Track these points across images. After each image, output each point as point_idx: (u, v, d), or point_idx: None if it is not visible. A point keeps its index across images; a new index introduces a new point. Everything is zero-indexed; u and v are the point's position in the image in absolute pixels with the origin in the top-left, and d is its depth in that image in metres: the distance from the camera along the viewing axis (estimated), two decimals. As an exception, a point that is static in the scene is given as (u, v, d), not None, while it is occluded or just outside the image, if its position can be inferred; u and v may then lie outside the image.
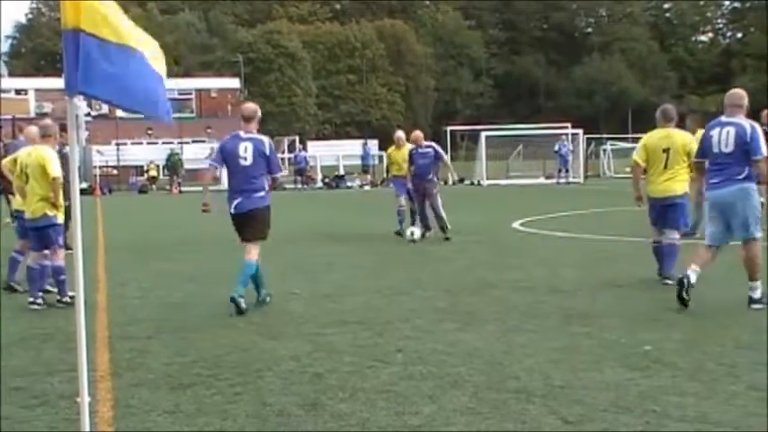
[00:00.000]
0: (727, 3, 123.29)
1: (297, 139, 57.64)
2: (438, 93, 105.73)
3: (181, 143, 51.17)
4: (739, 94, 9.31)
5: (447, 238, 16.35)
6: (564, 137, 45.47)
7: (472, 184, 44.01)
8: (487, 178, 43.55)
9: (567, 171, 43.91)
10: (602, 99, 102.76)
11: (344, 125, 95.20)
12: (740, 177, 8.96)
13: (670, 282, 10.04)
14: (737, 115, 9.17)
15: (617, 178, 44.88)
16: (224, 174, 10.05)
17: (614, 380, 6.24)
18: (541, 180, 46.13)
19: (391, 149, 18.46)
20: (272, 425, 5.48)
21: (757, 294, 8.96)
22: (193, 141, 53.71)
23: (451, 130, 52.14)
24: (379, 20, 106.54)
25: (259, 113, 9.97)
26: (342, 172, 48.47)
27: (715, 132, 9.16)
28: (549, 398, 5.85)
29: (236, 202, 9.63)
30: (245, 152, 9.57)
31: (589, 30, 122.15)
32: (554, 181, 44.46)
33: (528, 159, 50.28)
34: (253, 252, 9.62)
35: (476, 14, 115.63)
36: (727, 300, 9.41)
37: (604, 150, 52.16)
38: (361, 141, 54.62)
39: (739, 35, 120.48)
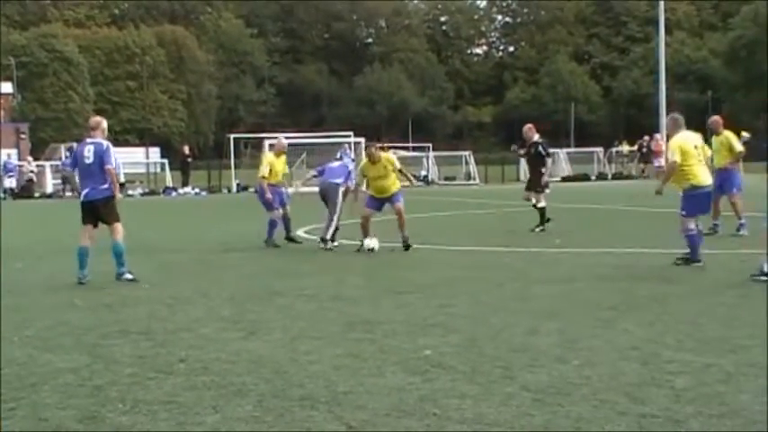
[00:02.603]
0: (500, 18, 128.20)
1: (74, 145, 55.76)
2: (221, 100, 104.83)
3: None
4: None
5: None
6: (346, 145, 46.03)
7: (256, 192, 43.80)
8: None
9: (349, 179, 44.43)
10: (384, 108, 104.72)
11: (124, 132, 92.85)
12: None
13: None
14: None
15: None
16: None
17: (396, 384, 6.37)
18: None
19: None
20: (49, 442, 5.30)
21: None
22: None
23: (235, 138, 51.81)
24: (160, 26, 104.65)
25: (103, 124, 12.58)
26: (122, 180, 47.35)
27: None
28: (333, 404, 5.91)
29: (84, 193, 12.27)
30: (89, 153, 12.20)
31: (370, 40, 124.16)
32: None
33: (312, 167, 50.50)
34: (116, 232, 12.20)
35: (258, 22, 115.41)
36: (500, 302, 9.80)
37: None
38: (142, 149, 53.52)
39: (511, 49, 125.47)
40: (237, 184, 47.83)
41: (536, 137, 19.13)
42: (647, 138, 53.21)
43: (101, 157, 12.14)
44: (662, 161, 51.36)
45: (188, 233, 20.82)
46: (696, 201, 12.60)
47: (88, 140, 12.43)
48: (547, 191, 18.86)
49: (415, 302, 10.02)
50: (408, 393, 6.12)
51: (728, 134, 17.20)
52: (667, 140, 13.32)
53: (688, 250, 12.60)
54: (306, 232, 19.32)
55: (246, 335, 8.33)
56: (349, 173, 17.47)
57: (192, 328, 8.68)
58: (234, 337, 8.27)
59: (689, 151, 12.61)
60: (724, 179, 16.55)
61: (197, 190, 46.81)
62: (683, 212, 12.63)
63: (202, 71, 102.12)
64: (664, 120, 59.12)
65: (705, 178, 12.76)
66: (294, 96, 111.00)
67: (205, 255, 15.76)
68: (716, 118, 17.85)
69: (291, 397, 6.11)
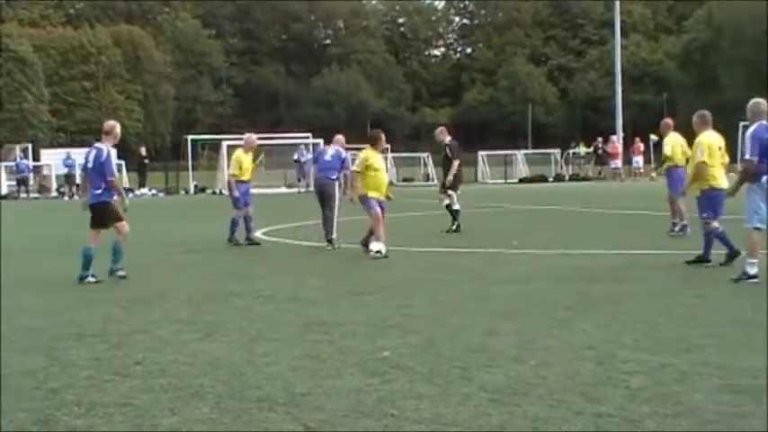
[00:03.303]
0: (457, 19, 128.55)
1: (30, 146, 55.19)
2: (178, 101, 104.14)
3: None
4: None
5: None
6: (303, 146, 46.00)
7: (214, 193, 43.71)
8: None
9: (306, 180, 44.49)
10: (342, 109, 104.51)
11: (81, 133, 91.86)
12: None
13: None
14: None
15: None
16: None
17: (354, 386, 6.37)
18: (283, 189, 46.41)
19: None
20: (3, 446, 5.24)
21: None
22: None
23: (192, 139, 51.54)
24: (116, 25, 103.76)
25: (116, 129, 12.70)
26: (78, 181, 46.91)
27: None
28: (290, 405, 5.90)
29: (87, 197, 12.68)
30: (89, 157, 12.49)
31: (328, 41, 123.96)
32: (296, 190, 44.86)
33: (270, 169, 50.44)
34: (118, 232, 12.50)
35: (215, 23, 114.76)
36: (458, 303, 9.83)
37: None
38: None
39: (468, 50, 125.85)
40: (195, 186, 47.60)
41: (447, 139, 19.43)
42: (600, 139, 53.62)
43: (100, 163, 12.30)
44: (618, 163, 52.00)
45: (145, 235, 20.62)
46: (716, 202, 12.41)
47: (96, 144, 12.70)
48: (457, 192, 19.03)
49: (373, 303, 10.03)
50: (366, 394, 6.12)
51: (677, 137, 17.39)
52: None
53: (701, 251, 12.48)
54: (265, 234, 19.25)
55: (203, 336, 8.29)
56: (343, 160, 16.80)
57: (148, 330, 8.63)
58: (191, 338, 8.22)
59: (715, 152, 12.53)
60: (681, 179, 16.84)
61: (154, 191, 46.52)
62: (706, 215, 12.35)
63: (159, 72, 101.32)
64: (620, 121, 59.74)
65: (724, 181, 12.52)
66: (251, 97, 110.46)
67: (162, 256, 15.66)
68: (666, 121, 18.13)
69: (249, 398, 6.09)
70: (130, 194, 45.05)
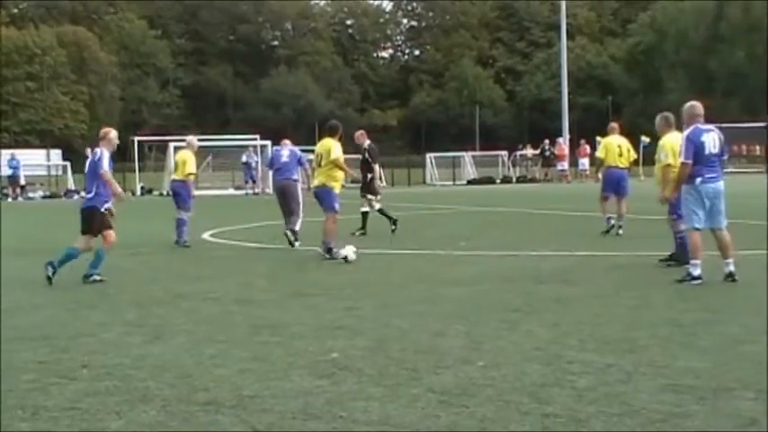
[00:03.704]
0: (405, 21, 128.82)
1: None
2: (124, 102, 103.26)
3: None
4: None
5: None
6: (251, 148, 45.84)
7: (161, 195, 43.38)
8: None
9: (254, 182, 44.37)
10: (290, 111, 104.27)
11: (25, 134, 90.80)
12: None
13: None
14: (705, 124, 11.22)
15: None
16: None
17: (303, 387, 6.36)
18: (231, 191, 46.21)
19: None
20: (-55, 451, 5.17)
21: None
22: None
23: (139, 141, 51.12)
24: (61, 26, 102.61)
25: (110, 134, 12.97)
26: (23, 182, 46.38)
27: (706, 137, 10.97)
28: (239, 408, 5.87)
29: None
30: (88, 161, 12.64)
31: (276, 43, 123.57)
32: (243, 192, 44.69)
33: (217, 170, 50.23)
34: (104, 240, 12.29)
35: (162, 24, 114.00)
36: (407, 304, 9.86)
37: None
38: (43, 151, 52.42)
39: (417, 52, 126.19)
40: (142, 188, 47.21)
41: (366, 143, 19.53)
42: (547, 141, 54.05)
43: (94, 162, 12.40)
44: (565, 165, 52.47)
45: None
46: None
47: (94, 150, 12.91)
48: (378, 196, 19.14)
49: (321, 305, 10.02)
50: (315, 396, 6.11)
51: (613, 139, 18.06)
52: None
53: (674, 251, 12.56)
54: (213, 235, 19.16)
55: (151, 339, 8.23)
56: (299, 158, 17.26)
57: (94, 333, 8.54)
58: (138, 341, 8.16)
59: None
60: (621, 180, 17.63)
61: (100, 192, 45.95)
62: (675, 216, 12.21)
63: (105, 72, 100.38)
64: (566, 124, 60.29)
65: None
66: (199, 98, 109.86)
67: (108, 258, 15.46)
68: (612, 124, 18.58)
69: (196, 401, 6.06)
70: (75, 196, 44.75)
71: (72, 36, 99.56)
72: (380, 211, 19.02)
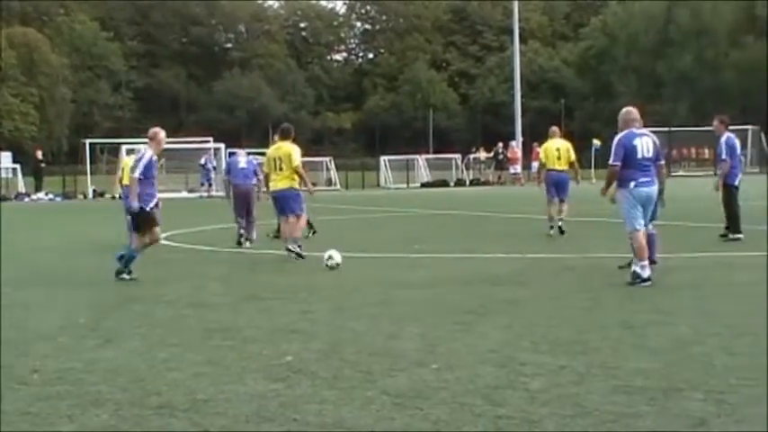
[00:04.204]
0: (359, 24, 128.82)
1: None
2: (75, 104, 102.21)
3: None
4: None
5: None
6: (212, 150, 45.72)
7: (113, 198, 43.01)
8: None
9: (210, 185, 44.22)
10: (243, 113, 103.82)
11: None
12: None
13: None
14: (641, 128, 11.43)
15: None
16: None
17: (257, 391, 6.35)
18: (184, 194, 45.95)
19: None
20: None
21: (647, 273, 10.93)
22: None
23: (91, 143, 50.66)
24: (11, 27, 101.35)
25: (160, 135, 13.23)
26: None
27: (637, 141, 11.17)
28: (191, 411, 5.85)
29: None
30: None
31: (229, 45, 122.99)
32: (197, 195, 44.48)
33: (171, 173, 49.88)
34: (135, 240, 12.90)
35: (114, 26, 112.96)
36: (361, 307, 9.87)
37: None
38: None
39: (371, 55, 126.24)
40: (93, 190, 46.75)
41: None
42: (500, 145, 54.32)
43: (132, 168, 12.76)
44: (518, 168, 52.79)
45: (43, 240, 20.26)
46: None
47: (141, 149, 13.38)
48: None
49: (275, 308, 10.01)
50: (269, 399, 6.11)
51: (559, 143, 18.67)
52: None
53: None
54: (166, 238, 19.03)
55: (103, 343, 8.18)
56: (255, 167, 17.93)
57: (46, 337, 8.46)
58: (90, 345, 8.10)
59: None
60: (560, 181, 18.21)
61: (51, 196, 45.55)
62: None
63: (56, 74, 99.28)
64: (519, 127, 60.63)
65: None
66: (152, 101, 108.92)
67: (61, 261, 15.37)
68: (553, 128, 19.30)
69: (149, 405, 6.03)
70: (26, 199, 44.28)
71: (22, 37, 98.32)
72: None
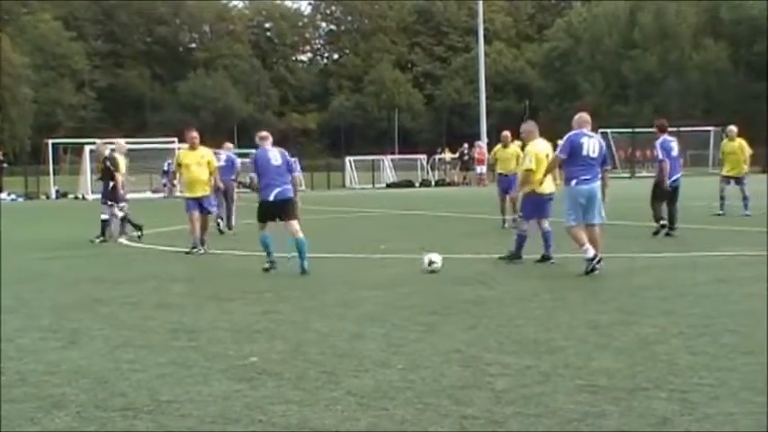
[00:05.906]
0: (324, 25, 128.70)
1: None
2: (37, 104, 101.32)
3: None
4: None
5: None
6: (177, 150, 45.45)
7: (77, 198, 42.73)
8: (93, 192, 42.48)
9: (173, 185, 43.96)
10: (208, 114, 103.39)
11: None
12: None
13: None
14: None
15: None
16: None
17: (222, 392, 6.33)
18: (148, 194, 45.68)
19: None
20: None
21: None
22: None
23: (54, 143, 50.28)
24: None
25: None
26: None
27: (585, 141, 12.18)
28: (156, 413, 5.82)
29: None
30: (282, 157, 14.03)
31: (193, 45, 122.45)
32: (162, 195, 44.26)
33: (135, 173, 49.51)
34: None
35: (77, 25, 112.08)
36: (325, 308, 9.85)
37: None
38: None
39: (336, 56, 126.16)
40: (56, 191, 46.39)
41: (107, 152, 19.92)
42: (466, 145, 54.46)
43: (287, 164, 14.03)
44: (483, 168, 52.89)
45: (5, 240, 20.03)
46: (538, 205, 13.74)
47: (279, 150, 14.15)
48: (121, 204, 19.35)
49: (239, 309, 9.96)
50: (234, 400, 6.08)
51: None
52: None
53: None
54: (130, 239, 18.91)
55: (67, 344, 8.11)
56: (233, 161, 21.70)
57: (9, 338, 8.38)
58: (53, 346, 8.03)
59: (542, 160, 13.45)
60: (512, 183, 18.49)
61: (13, 196, 45.14)
62: (520, 215, 14.02)
63: (17, 74, 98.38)
64: (484, 128, 60.81)
65: (548, 186, 13.70)
66: (115, 101, 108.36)
67: (24, 262, 15.22)
68: (505, 133, 20.33)
69: (113, 407, 5.99)
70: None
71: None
72: (123, 219, 19.33)
